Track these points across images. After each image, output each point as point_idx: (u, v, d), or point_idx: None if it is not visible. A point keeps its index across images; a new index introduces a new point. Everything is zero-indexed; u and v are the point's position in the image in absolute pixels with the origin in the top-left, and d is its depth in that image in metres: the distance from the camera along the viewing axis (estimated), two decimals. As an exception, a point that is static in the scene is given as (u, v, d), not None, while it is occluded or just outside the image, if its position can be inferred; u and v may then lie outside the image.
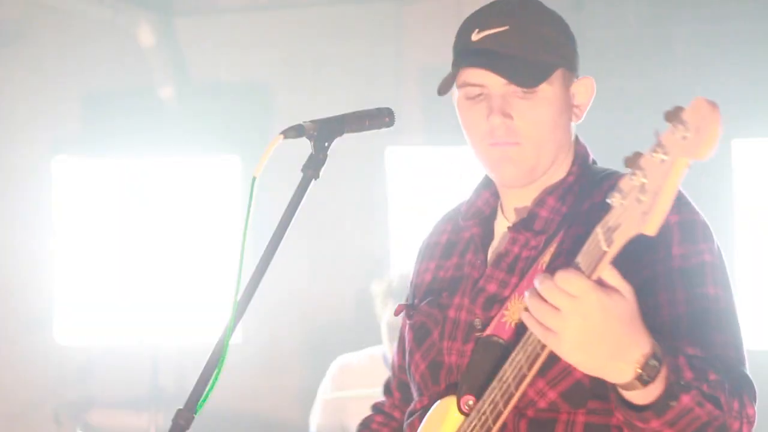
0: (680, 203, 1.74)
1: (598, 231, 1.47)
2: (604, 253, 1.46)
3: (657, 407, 1.54)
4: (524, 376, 1.63)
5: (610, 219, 1.46)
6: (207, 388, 1.69)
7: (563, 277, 1.48)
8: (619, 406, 1.58)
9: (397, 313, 2.04)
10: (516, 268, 1.84)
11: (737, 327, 1.74)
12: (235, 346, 1.76)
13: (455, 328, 1.89)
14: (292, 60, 5.93)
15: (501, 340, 1.77)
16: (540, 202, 1.87)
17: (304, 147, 1.84)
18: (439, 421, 1.83)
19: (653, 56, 5.49)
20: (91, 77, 6.07)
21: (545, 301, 1.49)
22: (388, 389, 2.18)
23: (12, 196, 6.12)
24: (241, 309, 1.73)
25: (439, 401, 1.86)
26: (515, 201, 1.91)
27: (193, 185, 5.85)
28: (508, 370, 1.66)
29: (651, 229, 1.39)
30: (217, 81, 6.05)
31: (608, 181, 1.86)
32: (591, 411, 1.75)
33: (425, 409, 1.90)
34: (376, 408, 2.19)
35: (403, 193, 5.55)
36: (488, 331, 1.81)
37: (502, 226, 1.92)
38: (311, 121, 1.83)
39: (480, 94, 1.83)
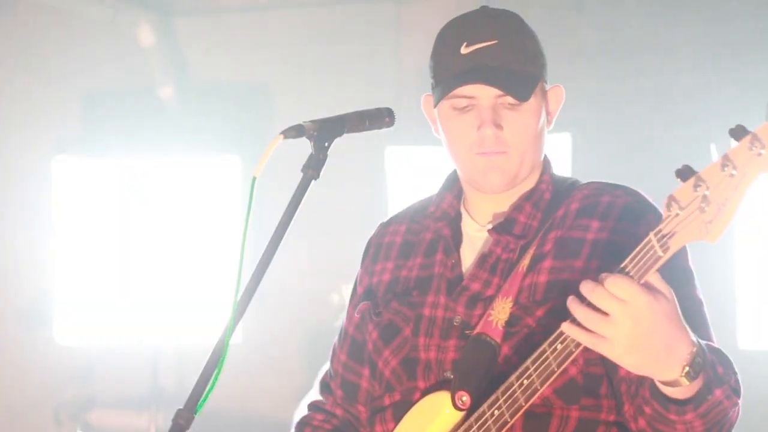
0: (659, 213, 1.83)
1: (652, 238, 1.57)
2: (659, 258, 1.57)
3: (696, 400, 1.62)
4: (552, 373, 1.69)
5: (665, 227, 1.56)
6: (207, 388, 1.69)
7: (613, 281, 1.56)
8: (654, 401, 1.66)
9: (359, 312, 2.08)
10: (497, 269, 1.90)
11: (711, 332, 1.84)
12: (235, 346, 1.77)
13: (431, 325, 1.94)
14: (292, 60, 5.94)
15: (490, 339, 1.84)
16: (518, 207, 1.95)
17: (304, 147, 1.84)
18: (430, 416, 1.88)
19: (653, 57, 5.49)
20: (91, 77, 6.07)
21: (592, 308, 1.58)
22: (327, 388, 2.20)
23: (12, 196, 6.13)
24: (241, 309, 1.73)
25: (427, 396, 1.90)
26: (492, 206, 1.98)
27: (193, 185, 5.86)
28: (532, 367, 1.71)
29: (714, 237, 1.52)
30: (217, 81, 6.06)
31: (578, 190, 1.94)
32: (584, 407, 1.82)
33: (398, 405, 1.94)
34: (315, 406, 2.21)
35: (403, 193, 5.56)
36: (478, 330, 1.86)
37: (470, 228, 1.99)
38: (311, 121, 1.83)
39: (467, 106, 1.89)
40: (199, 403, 1.69)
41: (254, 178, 1.75)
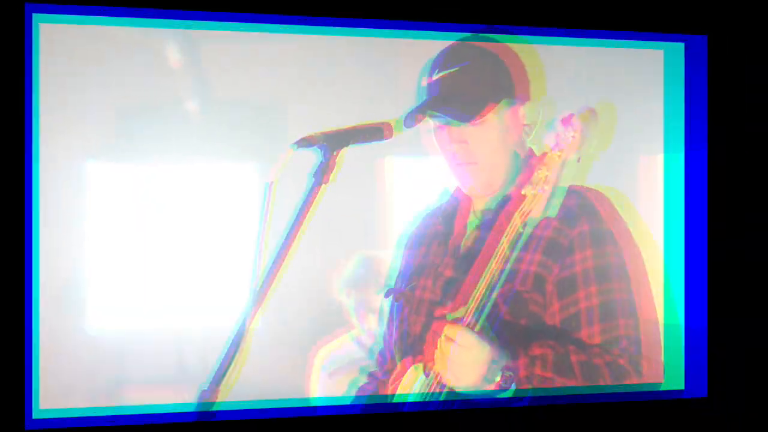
0: (594, 215, 2.07)
1: (516, 216, 1.88)
2: (520, 234, 1.85)
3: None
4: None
5: (525, 206, 1.85)
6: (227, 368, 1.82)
7: (456, 332, 1.90)
8: None
9: (387, 296, 2.36)
10: (475, 258, 2.16)
11: (636, 312, 2.08)
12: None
13: (420, 305, 2.23)
14: (305, 78, 6.09)
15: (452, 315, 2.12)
16: (502, 204, 2.18)
17: (314, 155, 1.99)
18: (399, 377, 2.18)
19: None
20: (121, 91, 6.23)
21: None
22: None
23: (47, 198, 6.26)
24: (260, 297, 1.87)
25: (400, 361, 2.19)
26: (482, 205, 2.24)
27: (213, 190, 5.97)
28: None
29: (553, 212, 1.81)
30: (236, 96, 6.20)
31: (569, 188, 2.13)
32: None
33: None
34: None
35: (403, 195, 5.64)
36: (446, 310, 2.15)
37: (469, 224, 2.25)
38: (321, 133, 2.00)
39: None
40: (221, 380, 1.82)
41: (268, 184, 1.91)
